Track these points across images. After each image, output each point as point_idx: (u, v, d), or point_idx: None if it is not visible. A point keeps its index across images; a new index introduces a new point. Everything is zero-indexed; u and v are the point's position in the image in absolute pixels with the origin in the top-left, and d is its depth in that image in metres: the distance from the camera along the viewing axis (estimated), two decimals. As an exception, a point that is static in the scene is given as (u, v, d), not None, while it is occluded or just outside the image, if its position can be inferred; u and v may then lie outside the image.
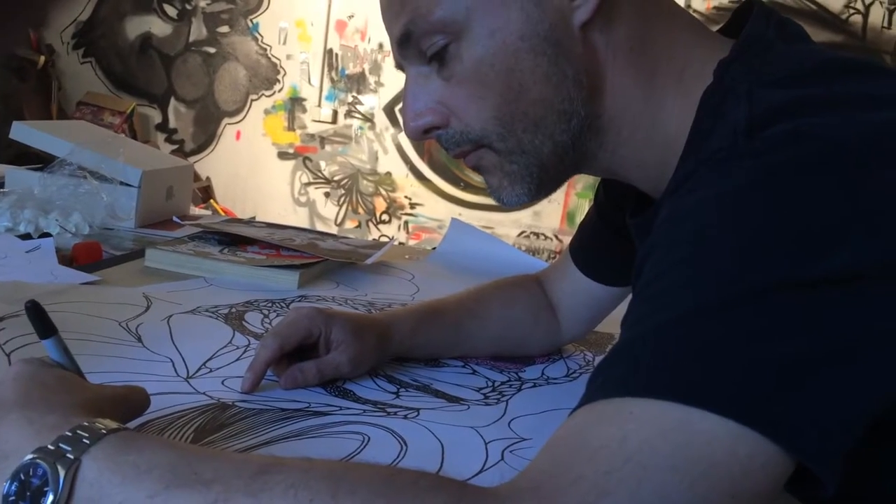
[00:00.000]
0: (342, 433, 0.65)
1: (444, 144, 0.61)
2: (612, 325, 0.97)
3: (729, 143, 0.47)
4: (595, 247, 0.86)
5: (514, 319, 0.90)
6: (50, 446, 0.42)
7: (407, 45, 0.58)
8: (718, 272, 0.42)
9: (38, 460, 0.42)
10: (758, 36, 0.55)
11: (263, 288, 1.06)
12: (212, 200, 3.72)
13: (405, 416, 0.70)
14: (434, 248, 1.48)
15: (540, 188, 0.60)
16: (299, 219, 3.86)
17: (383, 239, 3.80)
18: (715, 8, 3.46)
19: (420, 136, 0.61)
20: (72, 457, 0.42)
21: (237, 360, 0.79)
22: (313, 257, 1.16)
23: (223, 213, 3.44)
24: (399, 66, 0.62)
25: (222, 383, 0.72)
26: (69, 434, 0.43)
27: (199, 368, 0.75)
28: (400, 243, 3.78)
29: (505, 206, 0.62)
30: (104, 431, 0.44)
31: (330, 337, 0.75)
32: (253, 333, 0.87)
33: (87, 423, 0.44)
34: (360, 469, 0.42)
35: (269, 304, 0.99)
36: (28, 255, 1.01)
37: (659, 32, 0.58)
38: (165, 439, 0.48)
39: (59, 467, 0.41)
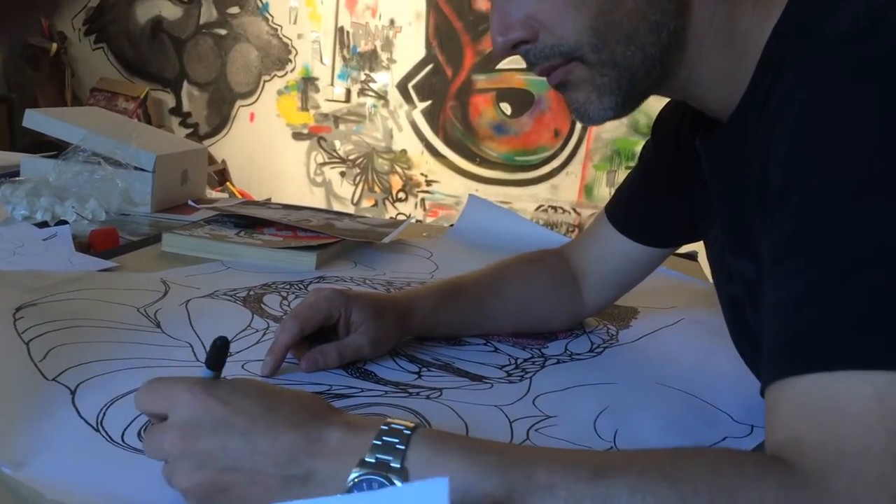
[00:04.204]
0: (365, 415, 0.64)
1: (531, 59, 0.60)
2: (634, 298, 0.95)
3: (850, 27, 0.47)
4: (638, 206, 0.86)
5: (536, 295, 0.89)
6: (369, 458, 0.43)
7: None
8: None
9: (370, 475, 0.43)
10: None
11: (281, 270, 1.05)
12: (228, 183, 3.72)
13: (428, 397, 0.69)
14: (451, 225, 1.47)
15: (626, 103, 0.60)
16: (316, 199, 3.86)
17: (400, 217, 3.79)
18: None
19: (508, 52, 0.61)
20: (398, 465, 0.43)
21: (257, 343, 0.78)
22: (330, 237, 1.15)
23: (240, 196, 3.44)
24: None
25: (242, 367, 0.71)
26: (379, 443, 0.44)
27: (219, 353, 0.74)
28: (417, 220, 3.77)
29: (589, 122, 0.62)
30: (408, 432, 0.45)
31: (350, 318, 0.74)
32: (272, 316, 0.86)
33: (385, 427, 0.45)
34: (685, 464, 0.42)
35: (288, 286, 0.98)
36: (45, 242, 1.01)
37: None
38: (466, 437, 0.48)
39: (396, 481, 0.42)
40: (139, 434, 0.56)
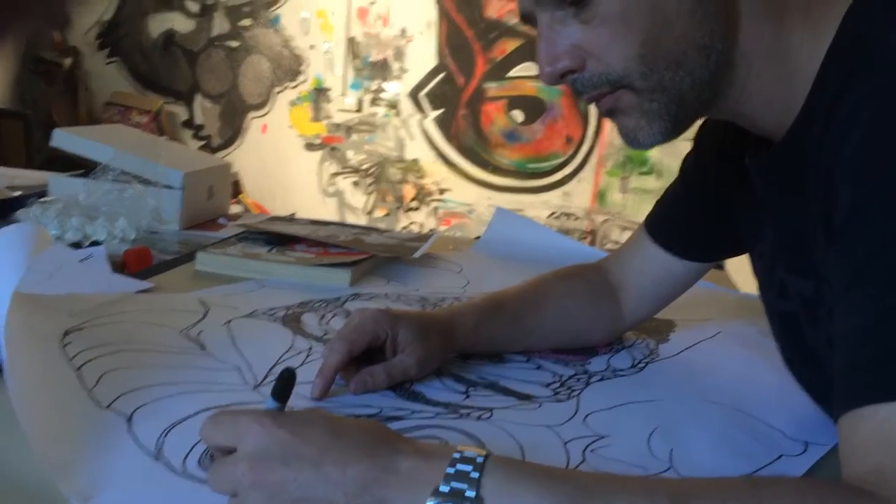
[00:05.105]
0: (419, 438, 0.63)
1: (578, 88, 0.61)
2: (668, 310, 0.95)
3: None
4: (679, 220, 0.85)
5: (576, 309, 0.89)
6: (443, 487, 0.43)
7: None
8: None
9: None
10: None
11: (315, 287, 1.05)
12: (241, 195, 3.72)
13: (479, 417, 0.69)
14: (478, 238, 1.47)
15: (675, 127, 0.60)
16: (328, 209, 3.86)
17: (413, 226, 3.80)
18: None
19: (556, 81, 0.61)
20: (472, 495, 0.43)
21: (302, 364, 0.78)
22: (361, 253, 1.15)
23: (255, 209, 3.45)
24: (525, 16, 0.62)
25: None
26: (452, 471, 0.44)
27: (267, 375, 0.74)
28: (430, 230, 3.77)
29: (640, 146, 0.62)
30: (481, 460, 0.45)
31: (397, 339, 0.74)
32: (312, 336, 0.86)
33: (457, 456, 0.45)
34: (767, 492, 0.42)
35: (324, 305, 0.98)
36: (81, 264, 1.01)
37: None
38: (538, 465, 0.48)
39: None
40: (200, 462, 0.56)
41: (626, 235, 3.74)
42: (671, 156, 3.44)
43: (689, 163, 0.85)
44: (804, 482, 0.43)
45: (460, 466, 0.44)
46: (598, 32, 0.58)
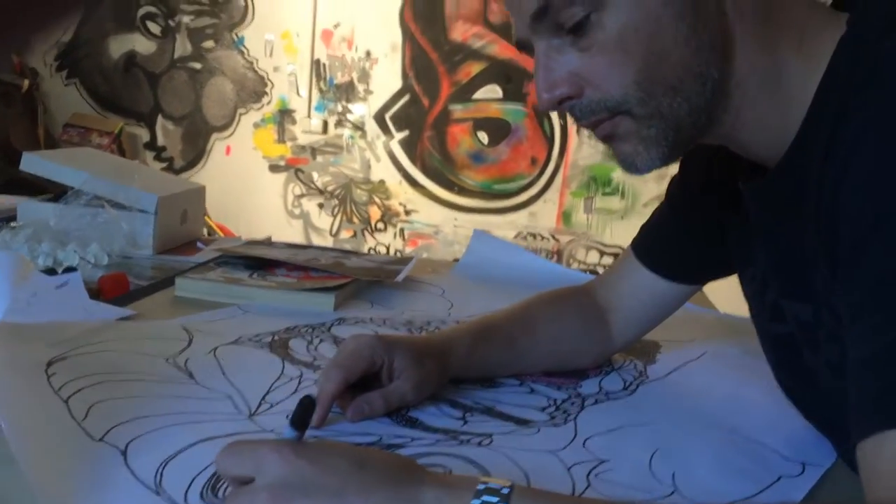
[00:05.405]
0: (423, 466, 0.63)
1: (576, 114, 0.61)
2: (654, 332, 0.95)
3: None
4: (666, 243, 0.86)
5: (566, 332, 0.89)
6: None
7: (542, 19, 0.58)
8: None
9: None
10: None
11: (299, 312, 1.03)
12: (206, 217, 3.67)
13: (479, 443, 0.68)
14: (456, 260, 1.46)
15: (672, 152, 0.61)
16: (294, 231, 3.83)
17: (379, 248, 3.79)
18: None
19: (554, 108, 0.62)
20: None
21: (294, 392, 0.77)
22: (344, 277, 1.14)
23: (220, 232, 3.40)
24: (522, 43, 0.62)
25: (287, 417, 0.70)
26: (478, 503, 0.44)
27: (260, 404, 0.73)
28: (397, 251, 3.76)
29: (637, 172, 0.62)
30: (506, 491, 0.44)
31: (392, 365, 0.73)
32: (301, 362, 0.85)
33: (482, 487, 0.45)
34: None
35: (311, 330, 0.96)
36: (57, 291, 0.98)
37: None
38: (561, 495, 0.49)
39: None
40: (201, 495, 0.55)
41: (592, 255, 3.79)
42: (635, 176, 3.48)
43: (674, 186, 0.86)
44: None
45: (486, 498, 0.44)
46: (595, 60, 0.58)
